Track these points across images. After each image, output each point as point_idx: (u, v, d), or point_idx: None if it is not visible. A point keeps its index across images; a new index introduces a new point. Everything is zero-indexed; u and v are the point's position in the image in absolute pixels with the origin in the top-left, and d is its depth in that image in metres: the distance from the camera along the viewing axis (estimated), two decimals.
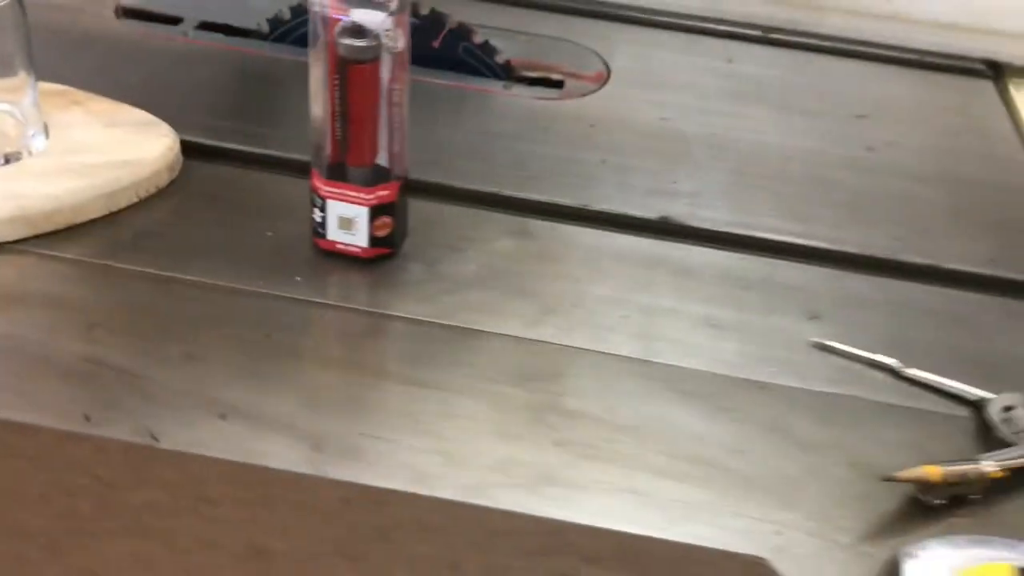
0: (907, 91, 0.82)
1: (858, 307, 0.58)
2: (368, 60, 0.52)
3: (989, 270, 0.62)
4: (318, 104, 0.54)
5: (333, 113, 0.54)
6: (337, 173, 0.55)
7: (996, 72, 0.88)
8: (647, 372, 0.52)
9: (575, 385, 0.51)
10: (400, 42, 0.52)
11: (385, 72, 0.53)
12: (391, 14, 0.51)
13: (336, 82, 0.53)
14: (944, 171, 0.71)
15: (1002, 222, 0.66)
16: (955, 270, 0.61)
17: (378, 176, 0.56)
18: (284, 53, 0.77)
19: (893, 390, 0.52)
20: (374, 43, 0.52)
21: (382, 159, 0.56)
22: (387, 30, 0.52)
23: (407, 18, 0.52)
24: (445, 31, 0.77)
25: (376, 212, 0.56)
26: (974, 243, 0.64)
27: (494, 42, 0.81)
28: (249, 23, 0.81)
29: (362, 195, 0.55)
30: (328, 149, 0.55)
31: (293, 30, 0.79)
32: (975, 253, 0.63)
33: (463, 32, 0.77)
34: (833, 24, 0.88)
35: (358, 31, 0.52)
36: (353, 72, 0.53)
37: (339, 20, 0.52)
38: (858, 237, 0.63)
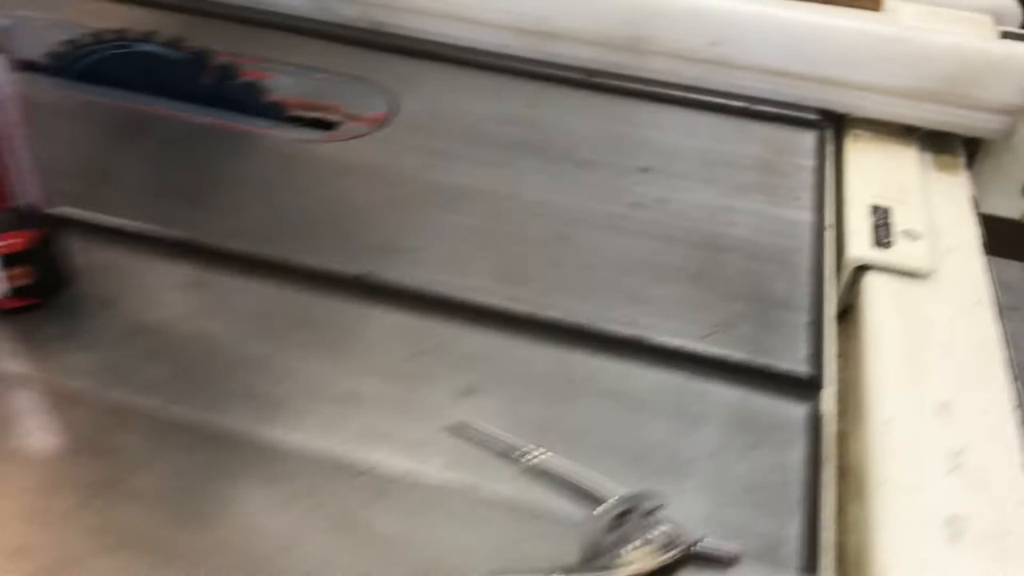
0: (712, 143, 0.76)
1: (529, 383, 0.53)
2: None
3: (701, 346, 0.56)
4: None
5: None
6: None
7: (838, 123, 0.82)
8: (245, 447, 0.48)
9: (152, 462, 0.46)
10: (6, 88, 0.50)
11: None
12: None
13: None
14: (709, 233, 0.66)
15: (744, 293, 0.60)
16: (661, 345, 0.56)
17: (12, 223, 0.53)
18: (61, 88, 0.76)
19: (517, 481, 0.47)
20: None
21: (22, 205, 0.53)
22: None
23: (5, 64, 0.50)
24: (213, 68, 0.74)
25: (10, 261, 0.53)
26: (701, 314, 0.58)
27: (285, 79, 0.78)
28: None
29: None
30: None
31: (75, 63, 0.77)
32: (695, 326, 0.57)
33: (231, 70, 0.74)
34: (658, 68, 0.83)
35: None
36: None
37: None
38: (570, 303, 0.58)
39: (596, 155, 0.73)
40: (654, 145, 0.75)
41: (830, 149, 0.78)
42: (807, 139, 0.78)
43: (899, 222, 0.71)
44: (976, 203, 0.77)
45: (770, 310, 0.59)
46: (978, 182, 0.86)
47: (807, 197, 0.70)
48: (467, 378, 0.52)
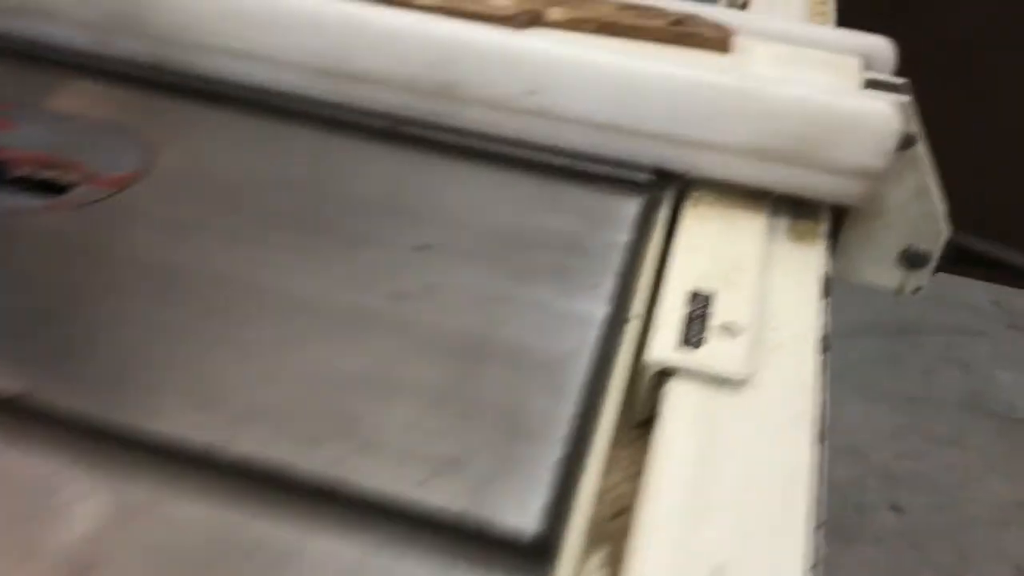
0: (515, 212, 0.64)
1: (164, 559, 0.41)
2: None
3: (413, 495, 0.44)
4: None
5: None
6: None
7: (679, 184, 0.71)
8: None
9: None
10: None
11: None
12: None
13: None
14: (473, 334, 0.54)
15: (492, 417, 0.48)
16: (362, 496, 0.44)
17: None
18: None
19: None
20: None
21: None
22: None
23: None
24: None
25: None
26: (428, 449, 0.46)
27: (29, 129, 0.67)
28: None
29: None
30: None
31: None
32: (415, 467, 0.45)
33: None
34: (473, 118, 0.72)
35: None
36: None
37: None
38: (266, 434, 0.46)
39: (371, 228, 0.62)
40: (445, 215, 0.64)
41: (661, 217, 0.67)
42: (630, 207, 0.66)
43: (720, 311, 0.60)
44: (828, 282, 0.66)
45: (517, 441, 0.47)
46: (848, 250, 0.75)
47: (608, 284, 0.58)
48: (83, 552, 0.41)
